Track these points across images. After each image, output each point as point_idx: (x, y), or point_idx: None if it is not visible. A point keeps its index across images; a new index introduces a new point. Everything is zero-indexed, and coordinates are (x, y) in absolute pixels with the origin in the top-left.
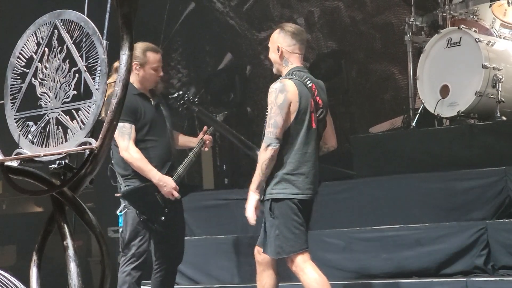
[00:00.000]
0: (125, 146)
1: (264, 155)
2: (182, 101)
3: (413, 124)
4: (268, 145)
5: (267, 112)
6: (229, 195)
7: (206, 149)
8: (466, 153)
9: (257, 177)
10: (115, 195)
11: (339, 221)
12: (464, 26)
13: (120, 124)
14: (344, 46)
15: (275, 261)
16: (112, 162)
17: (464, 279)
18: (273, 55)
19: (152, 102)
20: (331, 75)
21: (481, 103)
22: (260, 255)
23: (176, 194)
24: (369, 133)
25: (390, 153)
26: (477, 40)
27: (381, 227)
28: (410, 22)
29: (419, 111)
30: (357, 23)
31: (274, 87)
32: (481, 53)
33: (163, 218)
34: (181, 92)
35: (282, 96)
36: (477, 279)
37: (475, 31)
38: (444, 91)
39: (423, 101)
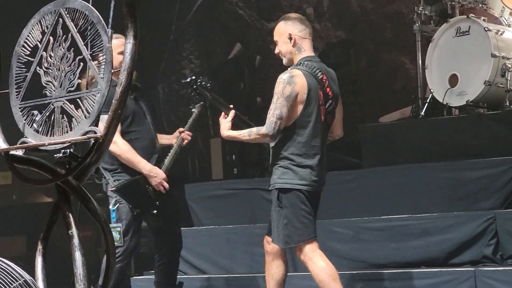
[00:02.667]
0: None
1: (260, 139)
2: (194, 86)
3: (422, 113)
4: (267, 134)
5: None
6: (238, 185)
7: (185, 142)
8: (475, 143)
9: (240, 136)
10: (109, 190)
11: (347, 210)
12: (473, 15)
13: (104, 117)
14: (354, 36)
15: (284, 250)
16: None
17: (473, 269)
18: (284, 47)
19: (130, 95)
20: (340, 64)
21: (490, 92)
22: (269, 245)
23: (166, 185)
24: (378, 123)
25: (399, 142)
26: (486, 29)
27: (390, 216)
28: (419, 11)
29: (427, 100)
30: (367, 13)
31: (283, 78)
32: (490, 42)
33: (155, 211)
34: (193, 77)
35: (290, 88)
36: (485, 268)
37: (484, 20)
38: (453, 80)
39: (431, 90)
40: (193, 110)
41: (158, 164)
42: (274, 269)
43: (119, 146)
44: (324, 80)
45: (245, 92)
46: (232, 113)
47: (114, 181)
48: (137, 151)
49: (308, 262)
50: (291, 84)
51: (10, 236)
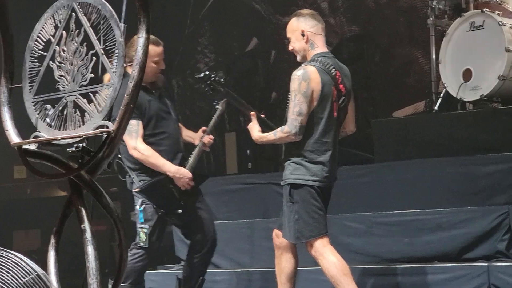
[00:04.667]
0: (133, 144)
1: (285, 138)
2: (208, 81)
3: (435, 108)
4: (290, 132)
5: (288, 98)
6: (252, 179)
7: (207, 149)
8: (489, 137)
9: (267, 138)
10: (133, 190)
11: (360, 205)
12: (487, 9)
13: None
14: (367, 31)
15: (294, 244)
16: (119, 156)
17: (486, 264)
18: (297, 44)
19: (155, 94)
20: (353, 59)
21: (504, 87)
22: (279, 239)
23: (192, 183)
24: (391, 117)
25: (412, 137)
26: (500, 23)
27: (403, 211)
28: (433, 6)
29: (441, 95)
30: (381, 7)
31: (297, 74)
32: (504, 36)
33: (179, 211)
34: (207, 72)
35: (305, 84)
36: (499, 264)
37: (498, 14)
38: (467, 75)
39: (445, 85)
40: (217, 107)
41: (183, 162)
42: (283, 263)
43: (141, 151)
44: (337, 77)
45: (260, 87)
46: (254, 115)
47: (140, 181)
48: (163, 151)
49: (319, 257)
50: (306, 80)
51: (25, 230)
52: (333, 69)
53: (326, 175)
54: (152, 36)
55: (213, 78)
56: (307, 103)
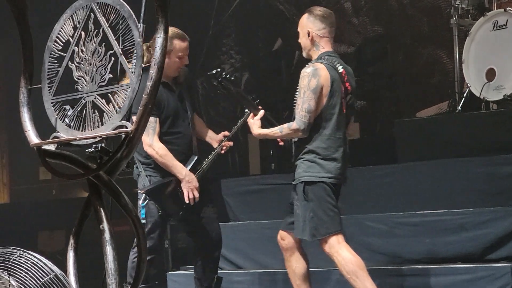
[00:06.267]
0: (149, 141)
1: (292, 134)
2: (219, 79)
3: (459, 108)
4: (299, 129)
5: (296, 94)
6: (275, 180)
7: (222, 151)
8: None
9: (272, 133)
10: (139, 191)
11: (382, 205)
12: (511, 9)
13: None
14: (391, 30)
15: (300, 243)
16: None
17: (509, 265)
18: (303, 40)
19: (175, 91)
20: (376, 59)
21: None
22: (284, 240)
23: (197, 195)
24: (414, 118)
25: (434, 137)
26: None
27: (425, 211)
28: (456, 5)
29: (464, 95)
30: (404, 7)
31: (307, 71)
32: None
33: (181, 213)
34: (219, 70)
35: (315, 81)
36: None
37: None
38: (490, 74)
39: (468, 84)
40: (246, 110)
41: (197, 165)
42: (294, 264)
43: (156, 150)
44: (344, 75)
45: (283, 87)
46: (261, 112)
47: (146, 176)
48: (176, 152)
49: (334, 254)
50: (316, 77)
51: (50, 230)
52: (340, 67)
53: (339, 171)
54: (178, 31)
55: (224, 76)
56: (316, 99)
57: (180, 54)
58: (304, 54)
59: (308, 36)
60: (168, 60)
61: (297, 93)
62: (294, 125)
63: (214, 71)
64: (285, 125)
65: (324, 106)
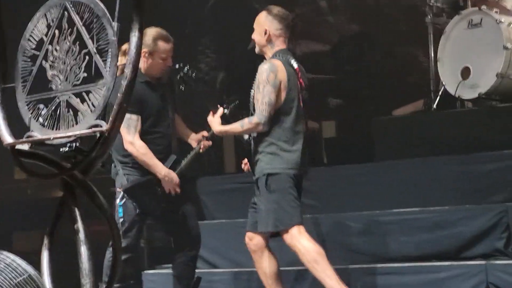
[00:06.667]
0: (130, 139)
1: (253, 128)
2: (181, 74)
3: (434, 106)
4: (260, 123)
5: (252, 90)
6: (250, 178)
7: (201, 151)
8: (487, 136)
9: (233, 129)
10: (117, 190)
11: (359, 204)
12: (485, 7)
13: (127, 116)
14: (367, 29)
15: (267, 241)
16: None
17: (484, 262)
18: (258, 37)
19: (158, 91)
20: (353, 58)
21: (502, 84)
22: (252, 241)
23: (178, 191)
24: (390, 116)
25: (410, 135)
26: (498, 21)
27: (401, 210)
28: (431, 4)
29: (439, 93)
30: (380, 5)
31: (265, 67)
32: (502, 34)
33: (159, 212)
34: (181, 64)
35: (273, 75)
36: (497, 262)
37: (496, 12)
38: (465, 72)
39: (444, 83)
40: (225, 111)
41: (175, 164)
42: (264, 264)
43: (137, 147)
44: (298, 71)
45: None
46: (220, 110)
47: (124, 175)
48: (156, 151)
49: (296, 243)
50: (274, 72)
51: (26, 231)
52: (294, 63)
53: (300, 162)
54: (163, 32)
55: (185, 72)
56: (276, 93)
57: (163, 55)
58: (256, 50)
59: (265, 34)
60: (152, 61)
61: (252, 89)
62: (255, 119)
63: (177, 66)
64: (246, 120)
65: (284, 100)
